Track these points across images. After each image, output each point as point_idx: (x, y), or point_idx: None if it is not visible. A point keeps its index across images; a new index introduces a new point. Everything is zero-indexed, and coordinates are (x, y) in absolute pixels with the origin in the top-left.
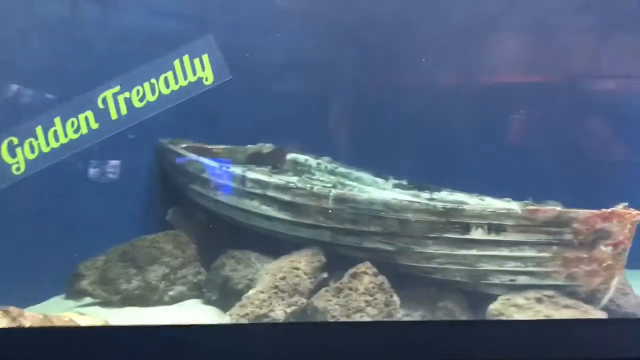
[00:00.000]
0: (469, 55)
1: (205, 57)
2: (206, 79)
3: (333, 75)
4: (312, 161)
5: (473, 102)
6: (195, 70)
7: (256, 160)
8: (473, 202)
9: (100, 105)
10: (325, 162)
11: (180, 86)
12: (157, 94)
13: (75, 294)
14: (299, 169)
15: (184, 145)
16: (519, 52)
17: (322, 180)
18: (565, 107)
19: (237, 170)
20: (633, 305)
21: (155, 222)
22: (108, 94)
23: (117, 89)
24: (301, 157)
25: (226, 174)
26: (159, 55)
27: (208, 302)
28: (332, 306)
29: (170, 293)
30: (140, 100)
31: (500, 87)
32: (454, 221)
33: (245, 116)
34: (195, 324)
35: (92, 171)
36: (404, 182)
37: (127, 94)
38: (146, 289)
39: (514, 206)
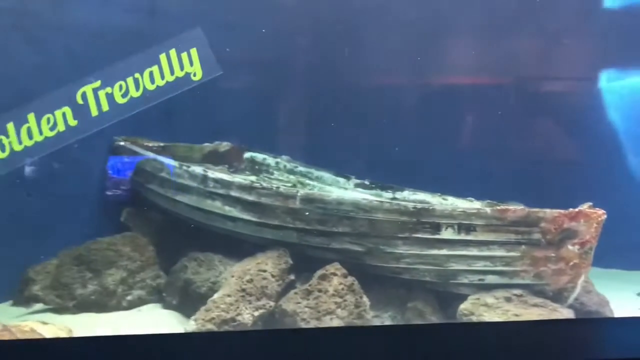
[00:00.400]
0: (423, 56)
1: (193, 51)
2: (194, 74)
3: (290, 73)
4: (270, 160)
5: (427, 103)
6: (183, 65)
7: (213, 159)
8: (435, 201)
9: (80, 101)
10: (284, 161)
11: (167, 82)
12: (141, 89)
13: (24, 300)
14: (256, 168)
15: (139, 144)
16: (470, 53)
17: (281, 180)
18: (514, 108)
19: (198, 169)
20: (595, 303)
21: (109, 224)
22: (88, 89)
23: (97, 83)
24: (259, 156)
25: (186, 173)
26: (143, 49)
27: (168, 306)
28: (301, 309)
29: (129, 298)
30: (123, 96)
31: (452, 88)
32: (424, 221)
33: (202, 114)
34: (164, 333)
35: (42, 171)
36: (366, 182)
37: (109, 90)
38: (103, 294)
39: (477, 206)
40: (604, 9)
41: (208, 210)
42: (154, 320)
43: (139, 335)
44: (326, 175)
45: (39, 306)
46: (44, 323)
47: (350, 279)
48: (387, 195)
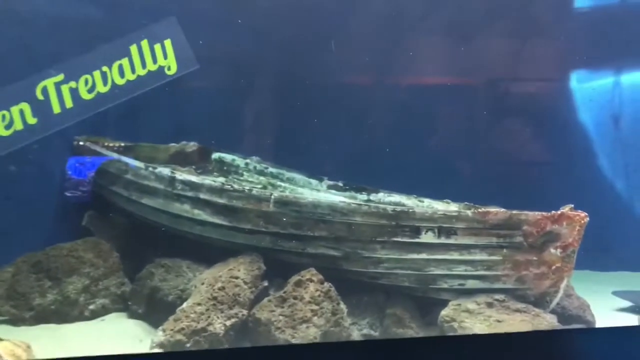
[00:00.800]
0: (395, 55)
1: (167, 43)
2: (168, 68)
3: (261, 71)
4: (239, 161)
5: (400, 102)
6: (156, 57)
7: (179, 160)
8: (412, 203)
9: (40, 97)
10: (254, 162)
11: (138, 75)
12: (109, 84)
13: None
14: (225, 170)
15: (101, 144)
16: (438, 53)
17: (251, 182)
18: (485, 109)
19: (165, 170)
20: (576, 307)
21: (70, 229)
22: (49, 83)
23: (60, 77)
24: (228, 157)
25: (152, 174)
26: (111, 40)
27: (134, 315)
28: (276, 317)
29: (91, 307)
30: (89, 91)
31: (425, 88)
32: (403, 224)
33: (167, 112)
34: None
35: None
36: (339, 184)
37: (72, 84)
38: (64, 304)
39: (455, 208)
40: (575, 10)
41: (176, 214)
42: (119, 330)
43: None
44: (298, 176)
45: None
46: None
47: (326, 285)
48: (362, 197)
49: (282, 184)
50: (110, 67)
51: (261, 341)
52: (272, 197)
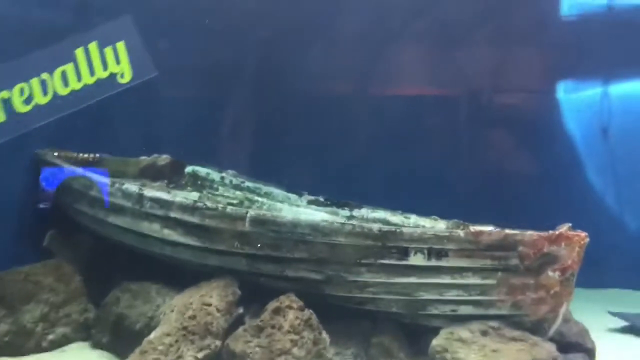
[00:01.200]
0: (374, 65)
1: (120, 46)
2: (122, 76)
3: (237, 80)
4: (214, 175)
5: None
6: (107, 62)
7: (150, 174)
8: (397, 219)
9: None
10: (229, 176)
11: (85, 84)
12: (50, 93)
13: None
14: (199, 184)
15: (65, 157)
16: (421, 63)
17: (226, 197)
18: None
19: (133, 187)
20: (575, 333)
21: (30, 250)
22: None
23: None
24: (202, 171)
25: (119, 191)
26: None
27: (98, 345)
28: (252, 349)
29: (50, 337)
30: (26, 102)
31: (404, 98)
32: (391, 245)
33: (137, 123)
34: None
35: None
36: (320, 199)
37: (5, 94)
38: (19, 334)
39: (442, 224)
40: (561, 19)
41: (144, 234)
42: None
43: None
44: (276, 191)
45: None
46: None
47: (307, 312)
48: (344, 212)
49: (260, 199)
50: (51, 74)
51: None
52: (248, 215)
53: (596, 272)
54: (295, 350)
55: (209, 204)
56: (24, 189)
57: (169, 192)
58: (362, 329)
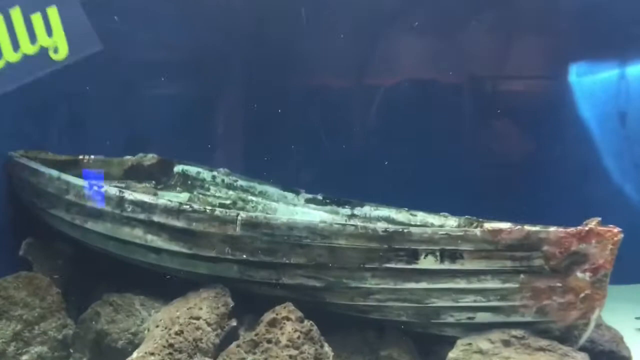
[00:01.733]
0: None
1: (52, 12)
2: (55, 50)
3: (228, 73)
4: (205, 174)
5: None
6: (35, 34)
7: (136, 174)
8: (403, 217)
9: None
10: (221, 174)
11: (6, 61)
12: None
13: None
14: (189, 184)
15: (41, 158)
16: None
17: (218, 197)
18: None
19: (112, 189)
20: (608, 340)
21: (5, 261)
22: None
23: None
24: (192, 169)
25: (98, 194)
26: None
27: None
28: None
29: (24, 357)
30: None
31: (404, 88)
32: (398, 247)
33: (121, 120)
34: None
35: None
36: (319, 197)
37: None
38: None
39: (453, 221)
40: None
41: (126, 240)
42: None
43: None
44: (271, 189)
45: None
46: None
47: (307, 323)
48: (345, 211)
49: (254, 199)
50: None
51: None
52: (239, 218)
53: (618, 266)
54: None
55: (195, 206)
56: None
57: (154, 194)
58: (368, 341)
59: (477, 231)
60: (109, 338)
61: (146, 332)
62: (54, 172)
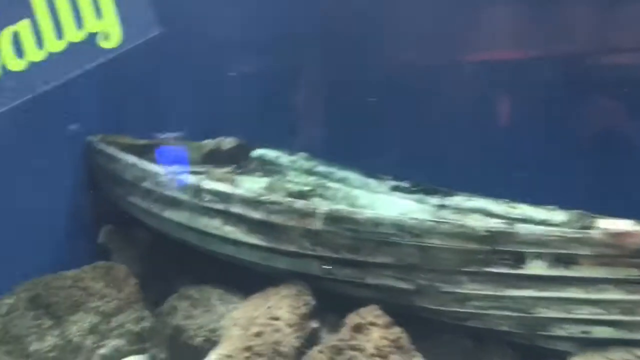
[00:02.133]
0: (464, 28)
1: None
2: (106, 37)
3: (309, 49)
4: (284, 158)
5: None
6: (82, 18)
7: (215, 158)
8: (500, 210)
9: None
10: (301, 159)
11: (48, 52)
12: None
13: None
14: (268, 169)
15: (120, 143)
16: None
17: (297, 182)
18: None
19: (191, 178)
20: None
21: (85, 248)
22: None
23: None
24: (271, 154)
25: (175, 182)
26: None
27: None
28: None
29: (102, 351)
30: None
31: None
32: (501, 250)
33: (199, 103)
34: None
35: None
36: (405, 184)
37: None
38: (65, 349)
39: (562, 216)
40: None
41: (203, 231)
42: None
43: None
44: (353, 175)
45: None
46: None
47: (396, 330)
48: (434, 201)
49: (334, 185)
50: None
51: None
52: (321, 211)
53: None
54: None
55: (274, 197)
56: (75, 180)
57: (232, 182)
58: (464, 350)
59: (597, 234)
60: (186, 335)
61: (224, 331)
62: (131, 159)
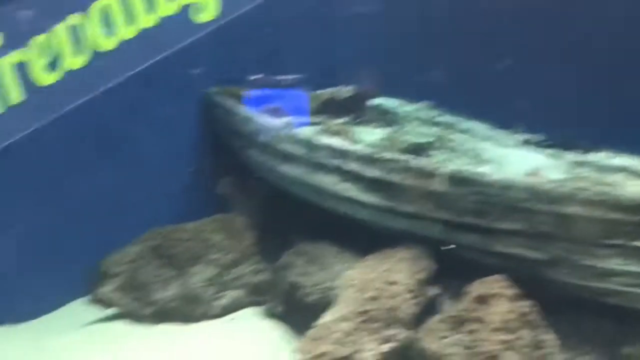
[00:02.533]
0: None
1: None
2: (200, 8)
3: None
4: (405, 108)
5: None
6: None
7: (332, 108)
8: None
9: None
10: (423, 108)
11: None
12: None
13: (98, 301)
14: (387, 119)
15: (236, 93)
16: None
17: (418, 133)
18: None
19: (306, 131)
20: None
21: (204, 201)
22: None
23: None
24: (390, 103)
25: (292, 135)
26: None
27: (271, 314)
28: (449, 349)
29: (221, 302)
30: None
31: None
32: None
33: (313, 49)
34: None
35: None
36: (538, 137)
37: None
38: (187, 299)
39: None
40: None
41: (319, 187)
42: (252, 335)
43: None
44: (479, 127)
45: (112, 310)
46: None
47: (525, 303)
48: (571, 157)
49: (458, 138)
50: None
51: None
52: (443, 172)
53: None
54: (508, 354)
55: (392, 155)
56: (197, 133)
57: (348, 134)
58: (604, 331)
59: None
60: (301, 291)
61: (339, 290)
62: (248, 112)
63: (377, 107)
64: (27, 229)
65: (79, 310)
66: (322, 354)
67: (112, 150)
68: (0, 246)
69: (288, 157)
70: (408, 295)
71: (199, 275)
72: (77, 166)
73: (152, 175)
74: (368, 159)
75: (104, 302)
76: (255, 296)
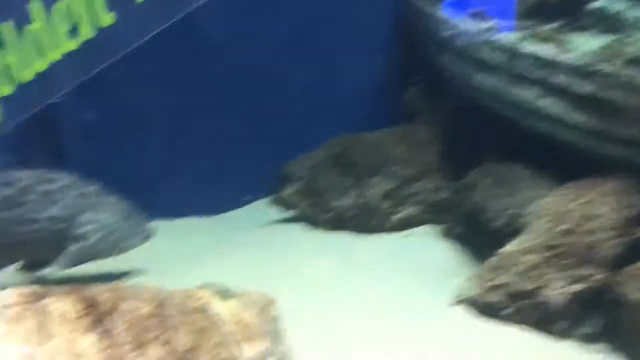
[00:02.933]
0: None
1: None
2: None
3: None
4: (632, 12)
5: None
6: None
7: (540, 12)
8: None
9: None
10: None
11: None
12: None
13: (279, 202)
14: (610, 25)
15: None
16: None
17: None
18: None
19: (510, 36)
20: None
21: (390, 109)
22: None
23: None
24: (614, 6)
25: (492, 41)
26: None
27: (450, 234)
28: None
29: (397, 216)
30: None
31: None
32: None
33: None
34: None
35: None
36: None
37: None
38: (363, 210)
39: None
40: None
41: (516, 102)
42: (426, 254)
43: None
44: None
45: (291, 213)
46: (224, 298)
47: None
48: None
49: None
50: None
51: (625, 336)
52: None
53: None
54: None
55: (612, 67)
56: (387, 37)
57: (559, 42)
58: None
59: None
60: (485, 215)
61: (529, 218)
62: (442, 13)
63: (597, 11)
64: (219, 131)
65: (262, 209)
66: (501, 285)
67: (303, 54)
68: (194, 146)
69: (485, 66)
70: (611, 233)
71: (377, 188)
72: (270, 70)
73: (341, 81)
74: (581, 71)
75: (285, 204)
76: (434, 214)
